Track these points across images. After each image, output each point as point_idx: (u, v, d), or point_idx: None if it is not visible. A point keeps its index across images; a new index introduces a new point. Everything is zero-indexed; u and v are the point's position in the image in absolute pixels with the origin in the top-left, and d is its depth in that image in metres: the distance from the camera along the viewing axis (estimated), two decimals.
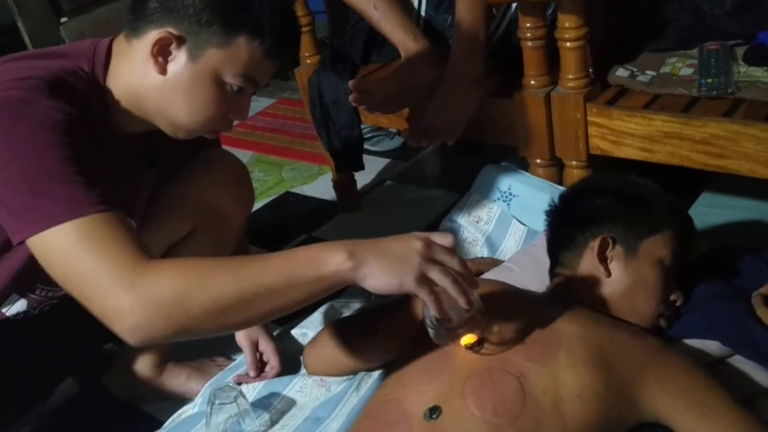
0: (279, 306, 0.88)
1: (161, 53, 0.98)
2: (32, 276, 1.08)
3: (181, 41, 0.98)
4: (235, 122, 1.11)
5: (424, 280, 0.86)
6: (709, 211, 1.61)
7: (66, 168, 0.89)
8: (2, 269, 1.06)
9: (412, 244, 0.88)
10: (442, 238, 0.91)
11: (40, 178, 0.88)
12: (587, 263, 1.11)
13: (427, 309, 0.91)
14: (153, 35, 0.98)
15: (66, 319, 1.22)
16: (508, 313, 0.99)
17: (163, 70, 0.99)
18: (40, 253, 0.88)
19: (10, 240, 0.92)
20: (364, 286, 0.87)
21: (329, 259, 0.86)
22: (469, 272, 0.91)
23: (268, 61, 1.02)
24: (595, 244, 1.09)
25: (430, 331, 0.93)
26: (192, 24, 0.97)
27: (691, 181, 1.61)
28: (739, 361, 1.09)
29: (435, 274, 0.87)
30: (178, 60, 0.99)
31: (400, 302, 1.13)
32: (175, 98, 1.01)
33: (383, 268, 0.86)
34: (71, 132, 0.91)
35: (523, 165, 1.53)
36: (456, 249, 0.92)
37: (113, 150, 1.04)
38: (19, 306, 1.13)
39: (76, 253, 0.85)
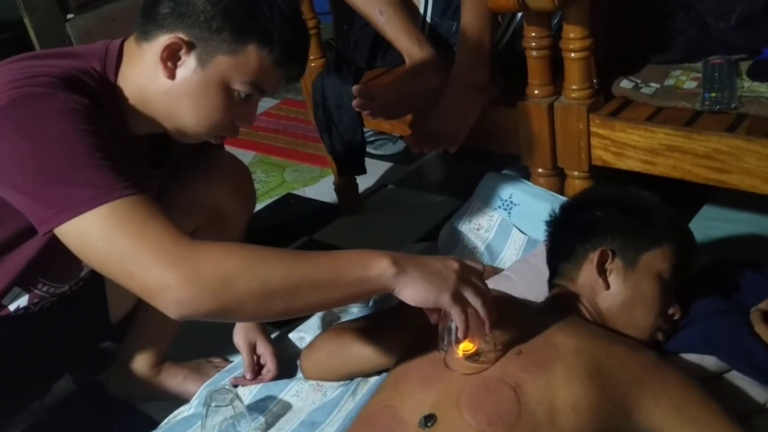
0: (319, 301, 0.91)
1: (171, 58, 0.99)
2: (37, 270, 1.10)
3: (191, 47, 0.99)
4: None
5: (458, 297, 0.91)
6: (710, 224, 1.62)
7: (92, 154, 0.90)
8: (10, 262, 1.06)
9: (449, 263, 0.93)
10: (474, 264, 0.97)
11: (66, 166, 0.89)
12: (586, 275, 1.11)
13: (449, 329, 0.94)
14: (163, 40, 0.99)
15: (65, 317, 1.24)
16: (506, 322, 0.99)
17: (172, 75, 1.00)
18: (73, 239, 0.89)
19: (27, 232, 0.95)
20: (401, 296, 0.91)
21: (375, 263, 0.90)
22: (492, 300, 0.95)
23: (277, 70, 1.03)
24: (594, 256, 1.09)
25: (443, 345, 0.96)
26: (202, 30, 0.98)
27: (692, 194, 1.61)
28: (736, 377, 1.09)
29: (470, 295, 0.91)
30: (188, 65, 1.00)
31: (399, 310, 1.14)
32: (182, 103, 1.02)
33: (423, 280, 0.90)
34: (92, 121, 0.93)
35: (525, 173, 1.53)
36: (484, 275, 0.98)
37: (123, 148, 1.05)
38: (21, 302, 1.14)
39: (115, 233, 0.87)
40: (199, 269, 0.86)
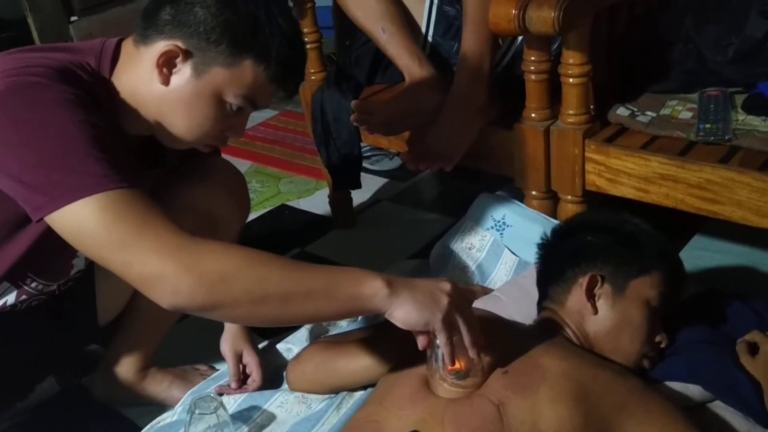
0: (311, 312, 0.92)
1: (167, 64, 1.00)
2: (27, 265, 1.09)
3: (187, 56, 0.99)
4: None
5: (448, 322, 0.92)
6: (701, 254, 1.62)
7: (90, 145, 0.91)
8: (3, 254, 1.06)
9: (442, 285, 0.94)
10: (468, 287, 0.99)
11: (63, 154, 0.89)
12: (575, 299, 1.11)
13: (437, 353, 0.95)
14: (161, 46, 0.99)
15: (52, 317, 1.23)
16: (494, 342, 0.99)
17: (166, 81, 1.01)
18: (68, 226, 0.90)
19: (17, 224, 0.95)
20: (391, 317, 0.92)
21: (369, 282, 0.91)
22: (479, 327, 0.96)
23: (271, 86, 1.04)
24: (584, 281, 1.10)
25: (429, 369, 0.97)
26: (201, 41, 0.99)
27: (684, 224, 1.62)
28: (720, 407, 1.10)
29: (460, 321, 0.92)
30: (183, 73, 1.00)
31: (388, 326, 1.14)
32: (174, 110, 1.03)
33: (415, 303, 0.91)
34: (88, 113, 0.93)
35: (519, 195, 1.54)
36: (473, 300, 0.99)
37: (117, 144, 1.05)
38: (9, 298, 1.13)
39: (115, 222, 0.87)
40: (198, 262, 0.87)
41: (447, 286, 0.94)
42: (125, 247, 0.87)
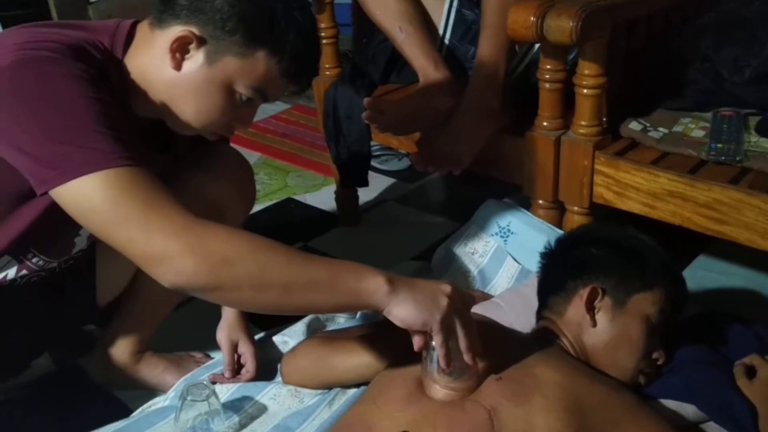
0: (311, 302, 0.92)
1: (180, 50, 1.00)
2: (29, 240, 1.09)
3: (201, 42, 0.99)
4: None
5: (446, 324, 0.92)
6: (705, 274, 1.62)
7: (99, 121, 0.90)
8: (3, 229, 1.06)
9: (443, 287, 0.94)
10: (469, 292, 0.98)
11: (72, 129, 0.89)
12: (574, 310, 1.11)
13: (432, 356, 0.95)
14: (176, 31, 0.99)
15: (51, 295, 1.23)
16: (490, 348, 0.99)
17: (178, 66, 1.01)
18: (73, 201, 0.90)
19: (22, 198, 0.94)
20: (390, 316, 0.92)
21: (371, 278, 0.91)
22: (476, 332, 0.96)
23: (283, 80, 1.04)
24: (584, 293, 1.10)
25: (424, 372, 0.97)
26: (216, 29, 0.98)
27: (689, 243, 1.61)
28: (714, 429, 1.09)
29: (458, 324, 0.93)
30: (195, 60, 1.00)
31: (385, 325, 1.13)
32: (184, 96, 1.03)
33: (414, 302, 0.91)
34: (99, 90, 0.93)
35: (526, 204, 1.53)
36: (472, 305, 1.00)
37: (126, 125, 1.05)
38: (9, 272, 1.13)
39: (121, 198, 0.87)
40: (203, 243, 0.86)
41: (448, 288, 0.94)
42: (130, 223, 0.87)
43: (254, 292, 0.89)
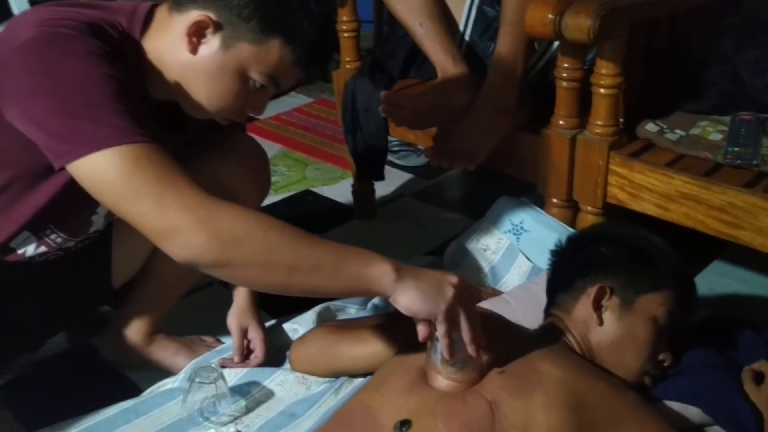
0: (317, 284, 0.92)
1: (196, 34, 1.01)
2: (49, 216, 1.11)
3: (218, 27, 1.01)
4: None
5: (450, 315, 0.92)
6: (718, 279, 1.61)
7: (115, 98, 0.92)
8: (23, 205, 1.08)
9: (449, 278, 0.95)
10: (472, 288, 0.99)
11: (88, 104, 0.91)
12: (582, 309, 1.11)
13: (436, 346, 0.95)
14: (193, 15, 1.01)
15: (68, 274, 1.26)
16: (495, 342, 1.00)
17: (194, 50, 1.02)
18: (89, 175, 0.91)
19: (41, 173, 0.97)
20: (396, 303, 0.93)
21: (378, 265, 0.92)
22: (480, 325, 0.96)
23: (296, 69, 1.05)
24: (592, 291, 1.09)
25: (428, 362, 0.97)
26: (233, 15, 1.00)
27: (704, 248, 1.60)
28: None
29: (462, 315, 0.93)
30: (211, 45, 1.02)
31: (393, 317, 1.14)
32: (198, 80, 1.04)
33: (420, 291, 0.92)
34: (115, 68, 0.95)
35: (540, 203, 1.53)
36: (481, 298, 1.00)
37: (141, 104, 1.06)
38: (29, 249, 1.15)
39: (135, 172, 0.89)
40: (214, 219, 0.88)
41: (454, 279, 0.95)
42: (143, 198, 0.89)
43: (262, 270, 0.90)
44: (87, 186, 0.93)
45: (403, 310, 0.93)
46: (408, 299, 0.92)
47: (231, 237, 0.88)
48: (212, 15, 1.00)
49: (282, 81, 1.07)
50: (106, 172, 0.90)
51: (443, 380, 0.96)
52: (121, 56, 1.00)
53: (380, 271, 0.91)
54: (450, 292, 0.93)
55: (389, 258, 0.94)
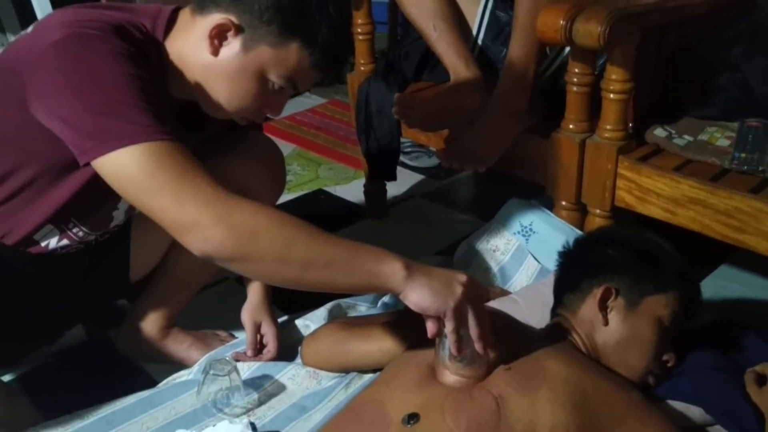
0: (329, 280, 0.95)
1: (218, 36, 1.04)
2: (72, 211, 1.15)
3: (239, 30, 1.04)
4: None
5: (458, 312, 0.95)
6: (724, 284, 1.62)
7: (138, 97, 0.96)
8: (48, 198, 1.11)
9: (459, 277, 0.97)
10: (481, 287, 1.01)
11: (114, 102, 0.94)
12: (588, 309, 1.13)
13: (444, 342, 0.98)
14: (216, 18, 1.04)
15: (88, 267, 1.29)
16: (502, 339, 1.02)
17: (215, 52, 1.05)
18: (112, 171, 0.95)
19: (66, 168, 0.99)
20: (406, 299, 0.95)
21: (389, 262, 0.95)
22: (490, 325, 0.99)
23: (313, 72, 1.08)
24: (598, 292, 1.11)
25: (437, 357, 1.00)
26: (253, 19, 1.03)
27: (712, 253, 1.61)
28: None
29: (471, 312, 0.96)
30: (232, 47, 1.05)
31: (403, 314, 1.17)
32: (218, 80, 1.08)
33: (429, 289, 0.95)
34: (139, 68, 0.98)
35: (550, 205, 1.56)
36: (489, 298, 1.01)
37: (163, 105, 1.10)
38: (52, 241, 1.19)
39: (157, 168, 0.92)
40: (232, 215, 0.91)
41: (463, 278, 0.97)
42: (164, 193, 0.92)
43: (276, 265, 0.93)
44: (110, 181, 0.96)
45: (413, 307, 0.96)
46: (418, 296, 0.95)
47: (248, 232, 0.91)
48: (234, 18, 1.03)
49: (299, 83, 1.10)
50: (130, 168, 0.93)
51: (451, 376, 0.99)
52: (145, 57, 1.03)
53: (391, 269, 0.94)
54: (459, 290, 0.95)
55: (400, 256, 0.96)
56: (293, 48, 1.05)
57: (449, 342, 0.96)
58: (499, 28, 1.62)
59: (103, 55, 0.96)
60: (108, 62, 0.96)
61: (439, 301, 0.94)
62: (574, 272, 1.19)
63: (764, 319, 1.48)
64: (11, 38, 3.21)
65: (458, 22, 1.61)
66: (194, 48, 1.07)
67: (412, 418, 0.95)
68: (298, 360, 1.35)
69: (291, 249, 0.93)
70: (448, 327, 0.95)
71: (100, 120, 0.94)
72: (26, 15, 2.81)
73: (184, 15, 1.10)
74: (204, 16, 1.06)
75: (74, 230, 1.19)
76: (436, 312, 0.95)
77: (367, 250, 0.96)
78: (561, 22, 1.26)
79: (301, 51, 1.05)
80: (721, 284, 1.62)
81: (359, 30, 1.79)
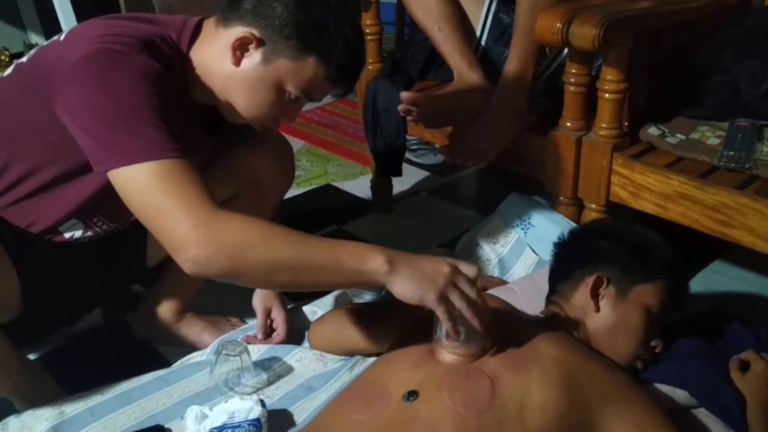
0: (319, 282, 1.01)
1: (240, 48, 1.11)
2: (95, 206, 1.21)
3: (260, 43, 1.11)
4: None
5: (443, 299, 0.99)
6: (716, 278, 1.67)
7: (152, 114, 1.02)
8: (72, 194, 1.17)
9: (441, 266, 1.01)
10: (467, 268, 1.04)
11: (131, 119, 1.01)
12: (580, 296, 1.18)
13: (440, 324, 1.03)
14: (239, 31, 1.11)
15: (108, 254, 1.35)
16: (497, 324, 1.08)
17: (237, 62, 1.12)
18: (121, 185, 1.01)
19: (88, 168, 1.04)
20: (392, 291, 1.01)
21: (371, 259, 0.99)
22: (483, 304, 1.04)
23: (327, 84, 1.15)
24: (590, 280, 1.17)
25: (434, 338, 1.05)
26: (274, 33, 1.10)
27: (706, 248, 1.65)
28: (703, 414, 1.15)
29: (454, 297, 1.00)
30: (253, 58, 1.12)
31: (404, 303, 1.23)
32: (239, 90, 1.14)
33: (411, 281, 0.99)
34: (160, 85, 1.05)
35: (549, 201, 1.62)
36: (477, 279, 1.06)
37: (184, 113, 1.16)
38: (76, 233, 1.25)
39: (155, 188, 0.98)
40: (219, 234, 0.96)
41: (446, 267, 1.01)
42: (162, 212, 0.98)
43: (267, 275, 0.99)
44: (120, 193, 1.02)
45: (398, 297, 1.01)
46: (401, 288, 0.99)
47: (235, 248, 0.96)
48: (256, 32, 1.10)
49: (314, 94, 1.16)
50: (135, 185, 0.99)
51: (448, 355, 1.05)
52: (169, 70, 1.09)
53: (374, 265, 0.99)
54: (441, 279, 0.99)
55: (385, 249, 1.01)
56: (310, 62, 1.11)
57: (447, 328, 1.01)
58: (502, 30, 1.68)
59: (126, 72, 1.02)
60: (129, 80, 1.02)
61: (420, 292, 0.99)
62: (568, 262, 1.24)
63: (753, 311, 1.53)
64: (32, 36, 3.28)
65: (462, 24, 1.67)
66: (217, 58, 1.13)
67: (412, 395, 1.00)
68: (306, 343, 1.42)
69: (279, 259, 0.98)
70: (438, 313, 1.00)
71: (116, 134, 1.00)
72: (51, 23, 2.85)
73: (209, 26, 1.17)
74: (228, 28, 1.12)
75: (98, 223, 1.25)
76: (419, 301, 1.00)
77: (352, 250, 1.01)
78: (558, 25, 1.32)
79: (317, 65, 1.11)
80: (714, 278, 1.67)
81: (368, 30, 1.84)
